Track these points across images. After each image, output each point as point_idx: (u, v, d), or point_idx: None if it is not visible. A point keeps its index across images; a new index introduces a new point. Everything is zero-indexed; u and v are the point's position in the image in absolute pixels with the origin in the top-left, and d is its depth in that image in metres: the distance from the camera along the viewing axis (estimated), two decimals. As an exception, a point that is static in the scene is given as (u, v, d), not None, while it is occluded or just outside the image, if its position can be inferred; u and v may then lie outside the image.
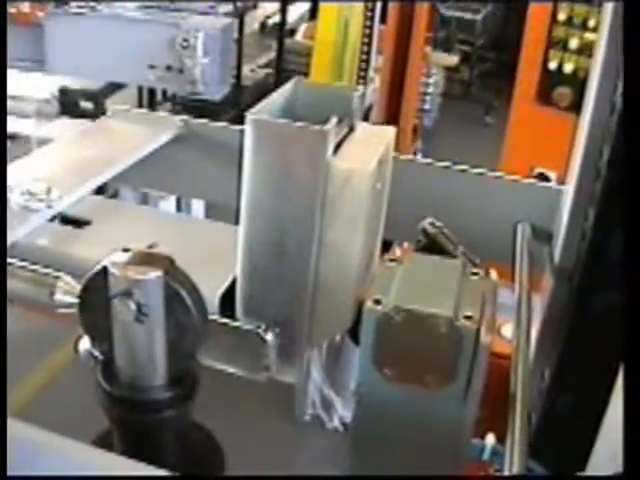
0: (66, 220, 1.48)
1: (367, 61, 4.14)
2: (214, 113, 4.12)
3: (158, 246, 1.14)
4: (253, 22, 5.04)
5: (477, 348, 1.04)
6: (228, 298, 1.22)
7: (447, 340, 1.04)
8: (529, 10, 3.46)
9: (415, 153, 4.74)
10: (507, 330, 1.39)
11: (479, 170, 1.66)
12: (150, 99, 4.56)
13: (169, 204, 3.56)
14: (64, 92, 3.46)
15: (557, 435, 1.45)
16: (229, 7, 4.01)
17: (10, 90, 2.71)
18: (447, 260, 1.23)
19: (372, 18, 4.15)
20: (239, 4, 4.32)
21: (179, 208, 3.72)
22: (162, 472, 0.89)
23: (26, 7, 2.98)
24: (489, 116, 7.17)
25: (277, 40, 4.83)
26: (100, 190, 1.65)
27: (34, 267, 1.24)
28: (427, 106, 5.03)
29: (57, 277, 1.19)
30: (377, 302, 1.06)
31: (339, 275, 1.18)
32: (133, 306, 1.01)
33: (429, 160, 1.72)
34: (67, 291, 1.17)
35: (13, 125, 3.14)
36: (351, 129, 1.25)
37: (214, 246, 1.41)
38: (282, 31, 4.80)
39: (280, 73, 4.72)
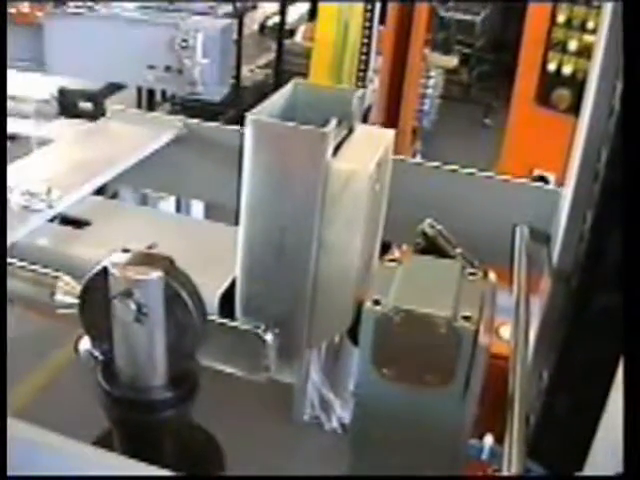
0: (66, 221, 1.48)
1: (366, 62, 4.14)
2: (213, 114, 4.12)
3: (158, 246, 1.15)
4: (252, 23, 5.04)
5: (476, 349, 1.04)
6: (228, 298, 1.22)
7: (446, 340, 1.04)
8: (528, 12, 3.46)
9: (414, 154, 4.75)
10: (505, 331, 1.39)
11: (478, 172, 1.66)
12: (149, 100, 4.56)
13: (168, 205, 3.56)
14: (63, 92, 3.45)
15: (555, 435, 1.46)
16: (228, 8, 4.02)
17: (9, 90, 2.71)
18: (446, 261, 1.23)
19: (371, 19, 4.15)
20: (238, 5, 4.33)
21: (178, 209, 3.72)
22: (162, 472, 0.89)
23: (25, 7, 2.98)
24: (488, 118, 7.18)
25: (276, 41, 4.83)
26: (100, 191, 1.65)
27: (34, 267, 1.24)
28: (426, 107, 5.05)
29: (57, 277, 1.20)
30: (376, 302, 1.06)
31: (338, 276, 1.19)
32: (133, 306, 1.01)
33: (428, 162, 1.72)
34: (67, 291, 1.17)
35: (12, 125, 3.14)
36: (350, 130, 1.25)
37: (214, 247, 1.42)
38: (281, 32, 4.80)
39: (279, 74, 4.72)
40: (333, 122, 1.12)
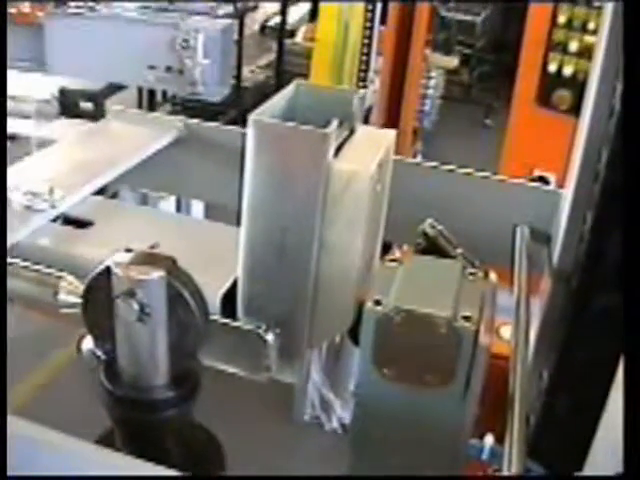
0: (68, 221, 1.49)
1: (367, 63, 4.14)
2: (214, 114, 4.13)
3: (160, 246, 1.15)
4: (253, 23, 5.05)
5: (476, 348, 1.05)
6: (229, 298, 1.23)
7: (446, 340, 1.04)
8: (529, 12, 3.46)
9: (415, 155, 4.75)
10: (506, 331, 1.40)
11: (479, 173, 1.67)
12: (150, 100, 4.57)
13: (169, 205, 3.57)
14: (64, 93, 3.45)
15: (555, 435, 1.46)
16: (229, 8, 4.02)
17: (10, 90, 2.71)
18: (447, 261, 1.23)
19: (372, 19, 4.15)
20: (239, 5, 4.33)
21: (179, 209, 3.73)
22: (164, 471, 0.89)
23: (26, 7, 2.98)
24: (489, 118, 7.18)
25: (277, 41, 4.84)
26: (100, 191, 1.65)
27: (37, 267, 1.25)
28: (427, 108, 5.05)
29: (60, 277, 1.20)
30: (377, 303, 1.06)
31: (339, 276, 1.19)
32: (136, 306, 1.02)
33: (429, 162, 1.72)
34: (70, 291, 1.17)
35: (13, 125, 3.14)
36: (352, 131, 1.26)
37: (215, 247, 1.42)
38: (282, 32, 4.81)
39: (280, 74, 4.73)
40: (334, 123, 1.13)
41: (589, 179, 1.41)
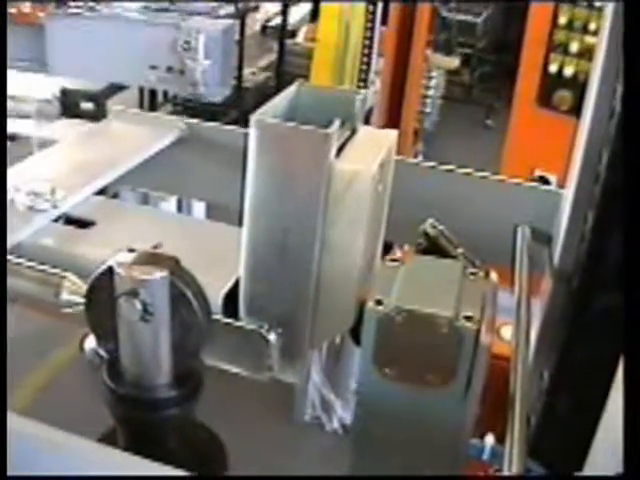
0: (70, 221, 1.49)
1: (368, 63, 4.15)
2: (215, 114, 4.13)
3: (162, 246, 1.15)
4: (254, 24, 5.05)
5: (477, 348, 1.05)
6: (231, 298, 1.23)
7: (447, 340, 1.05)
8: (530, 13, 3.47)
9: (416, 156, 4.75)
10: (507, 332, 1.40)
11: (480, 173, 1.67)
12: (151, 100, 4.57)
13: (170, 205, 3.57)
14: (65, 93, 3.46)
15: (555, 435, 1.46)
16: (230, 8, 4.02)
17: (10, 90, 2.71)
18: (448, 261, 1.24)
19: (373, 20, 4.16)
20: (240, 5, 4.34)
21: (180, 209, 3.73)
22: (166, 470, 0.89)
23: (27, 7, 2.99)
24: (490, 118, 7.18)
25: (278, 42, 4.84)
26: (101, 191, 1.65)
27: (40, 267, 1.25)
28: (428, 108, 5.05)
29: (63, 277, 1.21)
30: (378, 302, 1.07)
31: (341, 276, 1.19)
32: (139, 305, 1.02)
33: (430, 163, 1.73)
34: (73, 291, 1.18)
35: (13, 125, 3.14)
36: (353, 132, 1.26)
37: (217, 247, 1.42)
38: (283, 33, 4.81)
39: (281, 75, 4.73)
40: (336, 123, 1.13)
41: (590, 179, 1.41)
